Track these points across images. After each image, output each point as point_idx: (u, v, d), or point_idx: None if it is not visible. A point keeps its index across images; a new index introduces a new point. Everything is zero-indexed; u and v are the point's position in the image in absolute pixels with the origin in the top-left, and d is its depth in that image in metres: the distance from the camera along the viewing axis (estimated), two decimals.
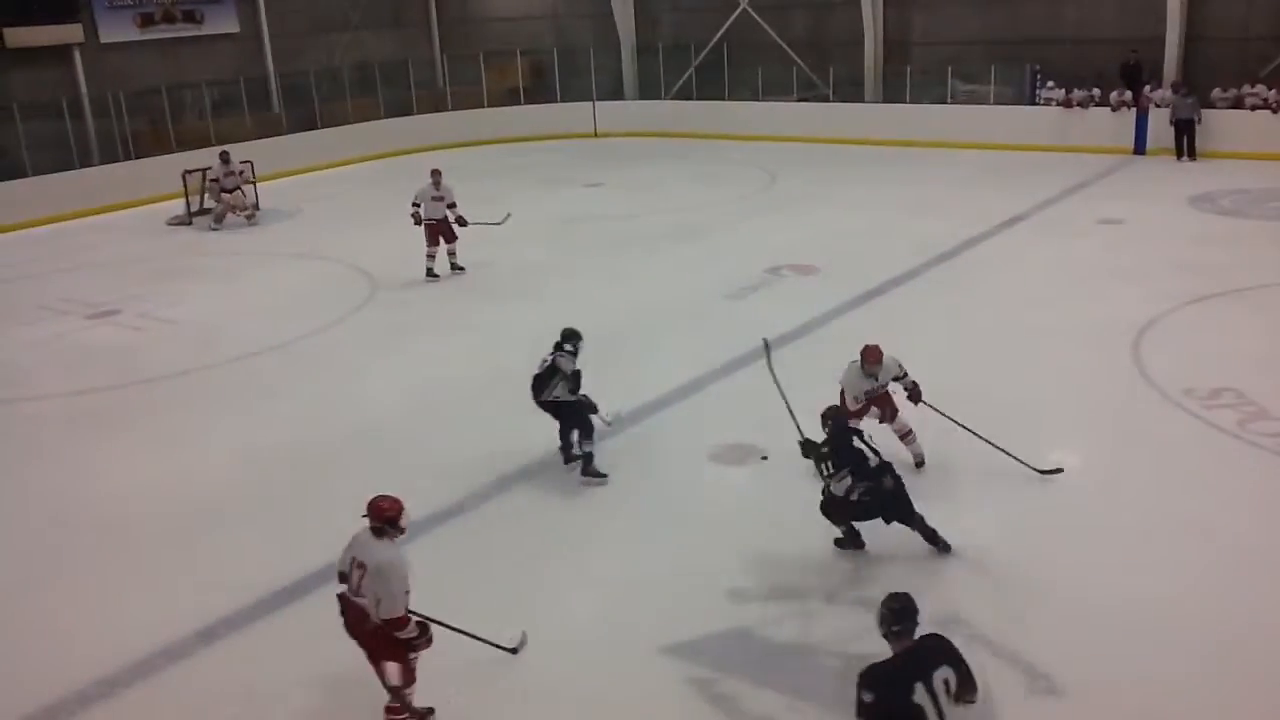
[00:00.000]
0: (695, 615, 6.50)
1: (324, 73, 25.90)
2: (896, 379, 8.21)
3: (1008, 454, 8.08)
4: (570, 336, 8.51)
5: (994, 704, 5.55)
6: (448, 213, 14.25)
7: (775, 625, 6.40)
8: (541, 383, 8.38)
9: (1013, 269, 13.76)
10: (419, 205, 14.22)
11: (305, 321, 13.03)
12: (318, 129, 24.93)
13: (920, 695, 4.19)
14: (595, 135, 27.21)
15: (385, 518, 5.39)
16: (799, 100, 25.77)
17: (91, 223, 20.10)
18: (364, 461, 9.00)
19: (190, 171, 19.64)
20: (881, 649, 4.51)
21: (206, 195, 19.44)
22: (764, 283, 13.53)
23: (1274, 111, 19.65)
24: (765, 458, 8.57)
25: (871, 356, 7.98)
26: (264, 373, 11.49)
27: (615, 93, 28.22)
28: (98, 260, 17.12)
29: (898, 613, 4.46)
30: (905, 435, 8.42)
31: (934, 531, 7.04)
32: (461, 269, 14.60)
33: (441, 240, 14.39)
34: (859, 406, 8.12)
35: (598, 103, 27.56)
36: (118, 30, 23.65)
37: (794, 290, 13.32)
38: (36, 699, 6.07)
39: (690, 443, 8.96)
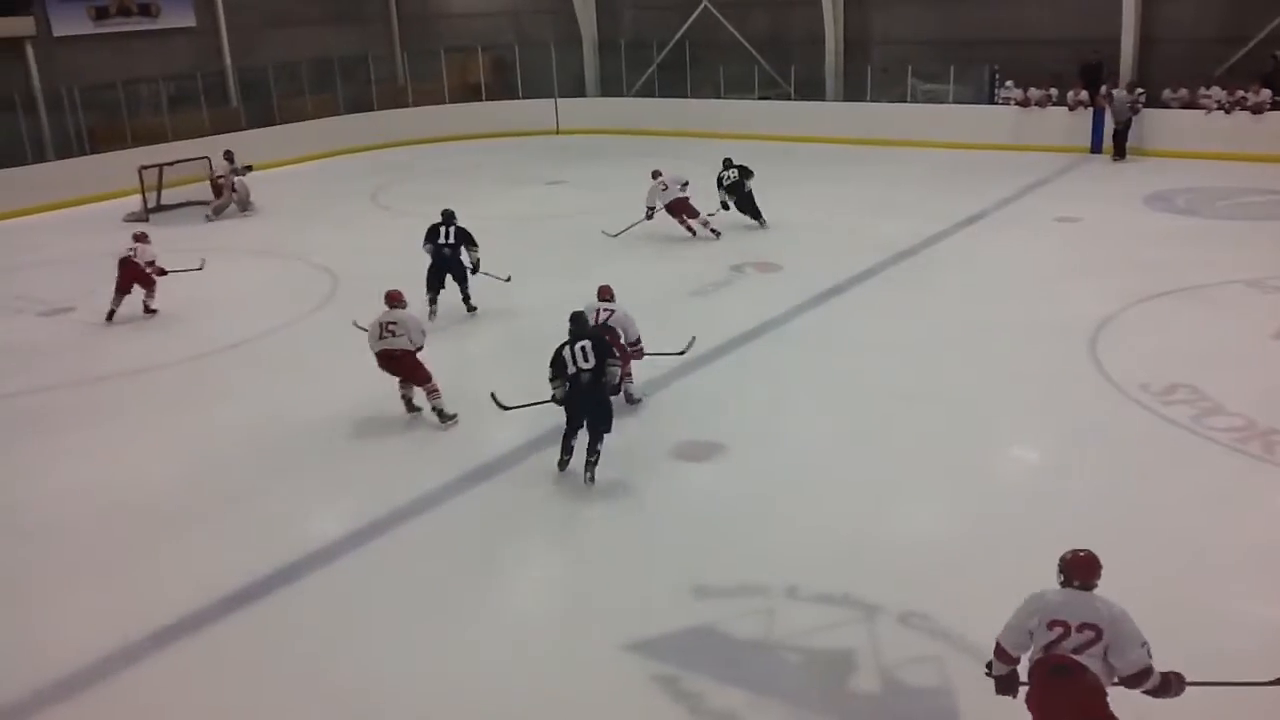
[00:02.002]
0: (657, 613, 6.50)
1: (282, 68, 25.64)
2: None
3: (665, 353, 9.86)
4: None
5: (956, 697, 5.61)
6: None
7: (737, 621, 6.40)
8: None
9: (972, 267, 13.89)
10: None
11: (263, 319, 12.90)
12: (276, 124, 24.66)
13: None
14: (557, 132, 27.15)
15: (397, 298, 9.42)
16: (761, 98, 25.84)
17: (46, 219, 19.78)
18: (318, 461, 8.94)
19: (146, 167, 19.41)
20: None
21: (223, 192, 19.26)
22: (728, 280, 13.56)
23: (1227, 112, 19.95)
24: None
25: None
26: (219, 372, 11.35)
27: (577, 89, 28.17)
28: (53, 257, 16.83)
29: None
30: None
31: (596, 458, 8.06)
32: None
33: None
34: None
35: (560, 99, 27.50)
36: (71, 23, 23.27)
37: (757, 288, 13.37)
38: None
39: (653, 440, 8.96)
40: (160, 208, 19.49)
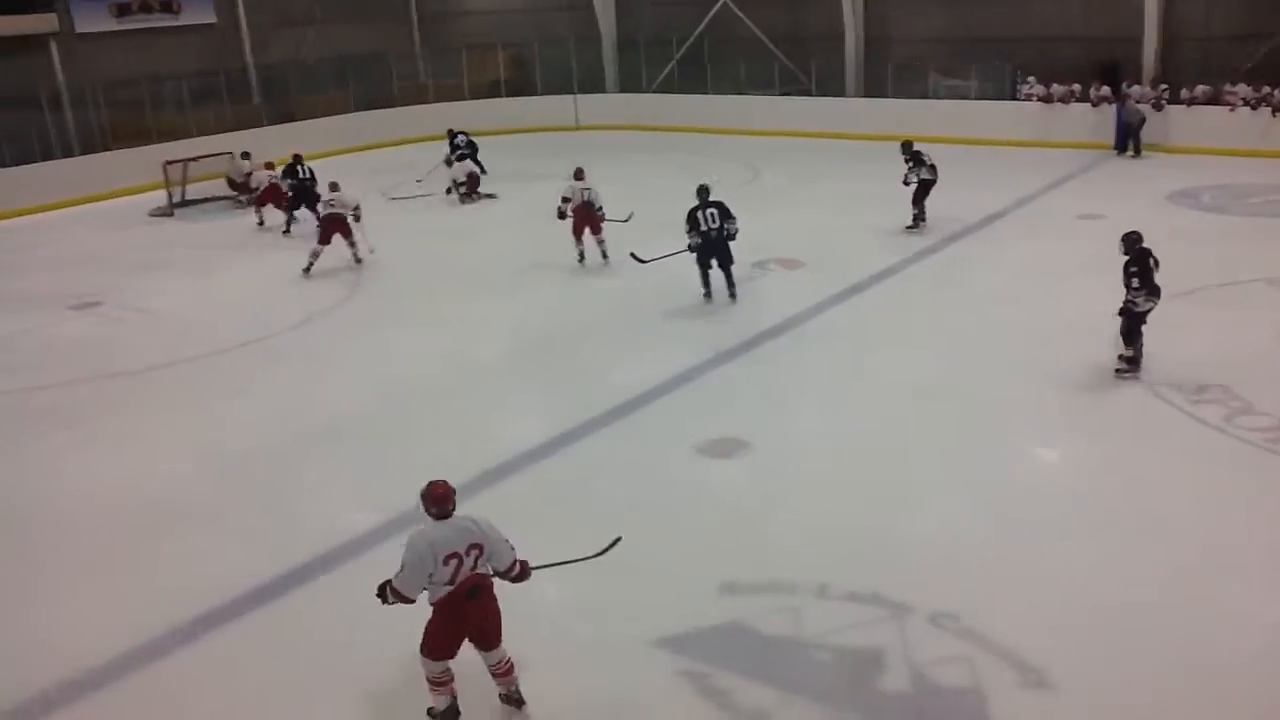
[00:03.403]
0: (686, 609, 6.49)
1: (303, 65, 25.73)
2: None
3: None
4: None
5: (984, 698, 5.58)
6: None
7: (766, 619, 6.38)
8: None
9: (995, 264, 13.81)
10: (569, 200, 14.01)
11: (282, 316, 12.94)
12: (296, 121, 24.73)
13: None
14: (576, 128, 27.15)
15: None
16: (781, 94, 25.79)
17: (72, 214, 19.92)
18: (331, 460, 8.96)
19: (172, 162, 19.51)
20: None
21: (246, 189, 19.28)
22: (750, 277, 13.51)
23: (1253, 109, 19.79)
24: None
25: None
26: (237, 368, 11.40)
27: (596, 86, 28.16)
28: (79, 252, 16.95)
29: None
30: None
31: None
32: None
33: (588, 230, 14.22)
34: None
35: (579, 95, 27.50)
36: (93, 20, 23.46)
37: (781, 284, 13.33)
38: None
39: (678, 434, 8.94)
40: (185, 203, 19.60)
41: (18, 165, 20.40)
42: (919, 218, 15.53)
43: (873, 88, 24.71)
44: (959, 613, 6.24)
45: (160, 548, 7.62)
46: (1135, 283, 9.33)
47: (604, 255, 14.25)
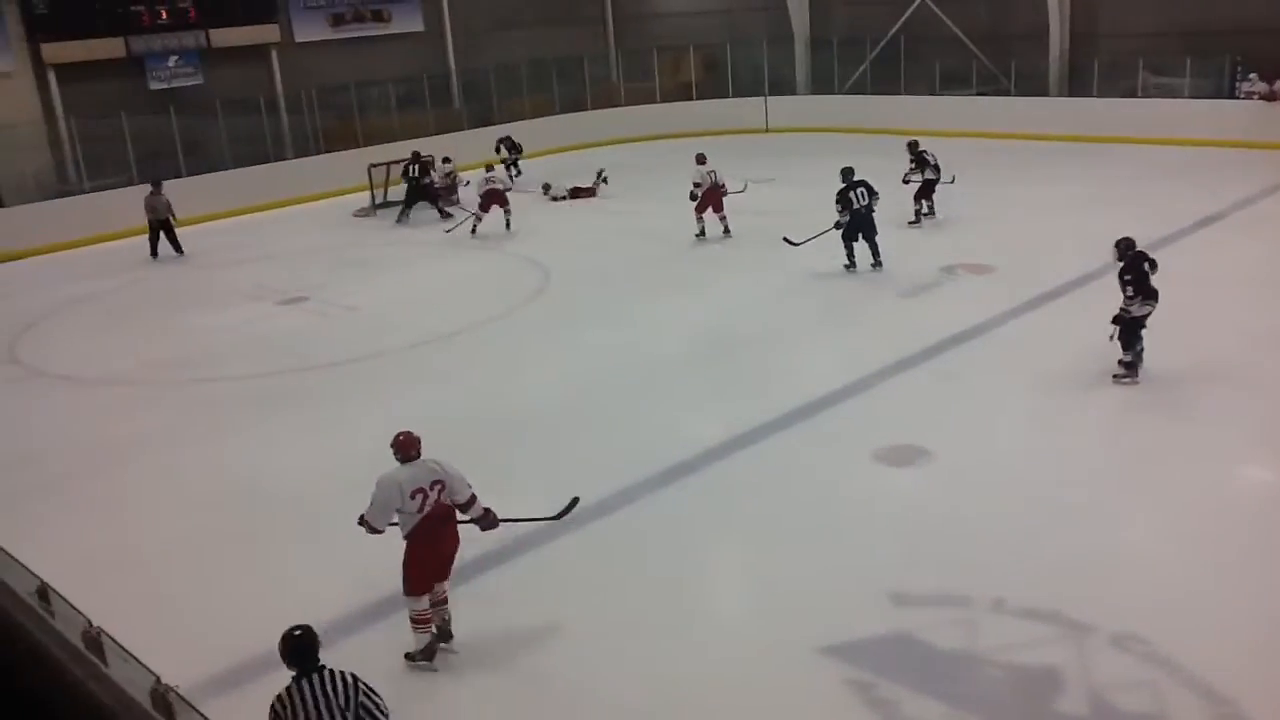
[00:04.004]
0: (855, 617, 6.42)
1: (502, 69, 26.59)
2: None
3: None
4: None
5: None
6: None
7: (938, 631, 6.25)
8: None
9: (1206, 271, 13.00)
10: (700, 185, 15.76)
11: (477, 311, 13.42)
12: (495, 124, 25.55)
13: None
14: (766, 130, 27.05)
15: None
16: (978, 94, 25.03)
17: (284, 214, 21.18)
18: (523, 451, 9.25)
19: (376, 165, 20.48)
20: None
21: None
22: (937, 282, 13.21)
23: None
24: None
25: None
26: (434, 360, 11.88)
27: (788, 87, 28.00)
28: (288, 249, 18.02)
29: None
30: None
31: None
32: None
33: (711, 209, 15.98)
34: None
35: (770, 98, 27.41)
36: (311, 30, 24.85)
37: (967, 290, 12.96)
38: (214, 665, 6.39)
39: (856, 442, 8.83)
40: (387, 204, 20.53)
41: (238, 168, 21.80)
42: (921, 213, 16.21)
43: (1077, 87, 23.69)
44: (1145, 635, 5.96)
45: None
46: (1129, 290, 9.40)
47: (726, 230, 16.03)
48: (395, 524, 6.18)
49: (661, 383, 10.67)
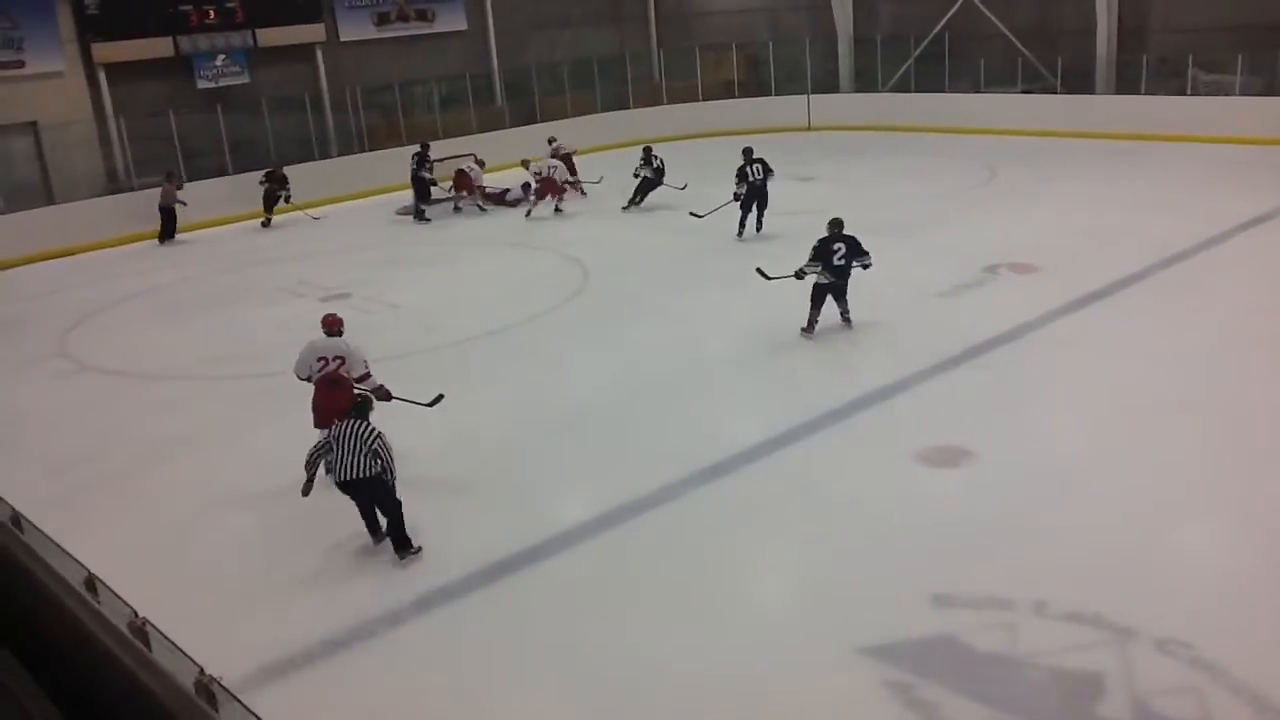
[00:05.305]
0: (896, 618, 6.37)
1: (545, 68, 26.68)
2: None
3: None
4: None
5: None
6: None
7: (979, 633, 6.19)
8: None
9: (1256, 272, 12.82)
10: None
11: (519, 309, 13.49)
12: (538, 122, 25.64)
13: None
14: (809, 129, 26.96)
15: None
16: (1023, 92, 24.79)
17: (328, 211, 21.37)
18: (570, 446, 9.30)
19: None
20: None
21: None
22: (979, 281, 13.09)
23: None
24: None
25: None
26: (478, 357, 11.95)
27: (830, 85, 27.88)
28: (332, 247, 18.20)
29: None
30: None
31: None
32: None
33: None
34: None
35: (812, 96, 27.30)
36: (356, 29, 25.07)
37: (1011, 290, 12.83)
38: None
39: (897, 442, 8.78)
40: (430, 201, 20.66)
41: (283, 166, 21.99)
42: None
43: (1125, 84, 23.38)
44: (1191, 640, 5.88)
45: (420, 514, 8.04)
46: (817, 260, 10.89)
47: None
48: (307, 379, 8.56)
49: (701, 381, 10.66)
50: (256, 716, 3.33)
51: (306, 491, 7.63)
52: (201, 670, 3.75)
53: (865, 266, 11.25)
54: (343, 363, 8.50)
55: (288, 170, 20.80)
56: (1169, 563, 6.82)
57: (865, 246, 11.24)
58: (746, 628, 6.46)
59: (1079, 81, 23.99)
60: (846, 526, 7.62)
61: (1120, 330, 11.20)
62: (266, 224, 20.56)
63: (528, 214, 19.17)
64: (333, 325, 8.78)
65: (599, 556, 7.47)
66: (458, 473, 8.96)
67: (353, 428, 7.30)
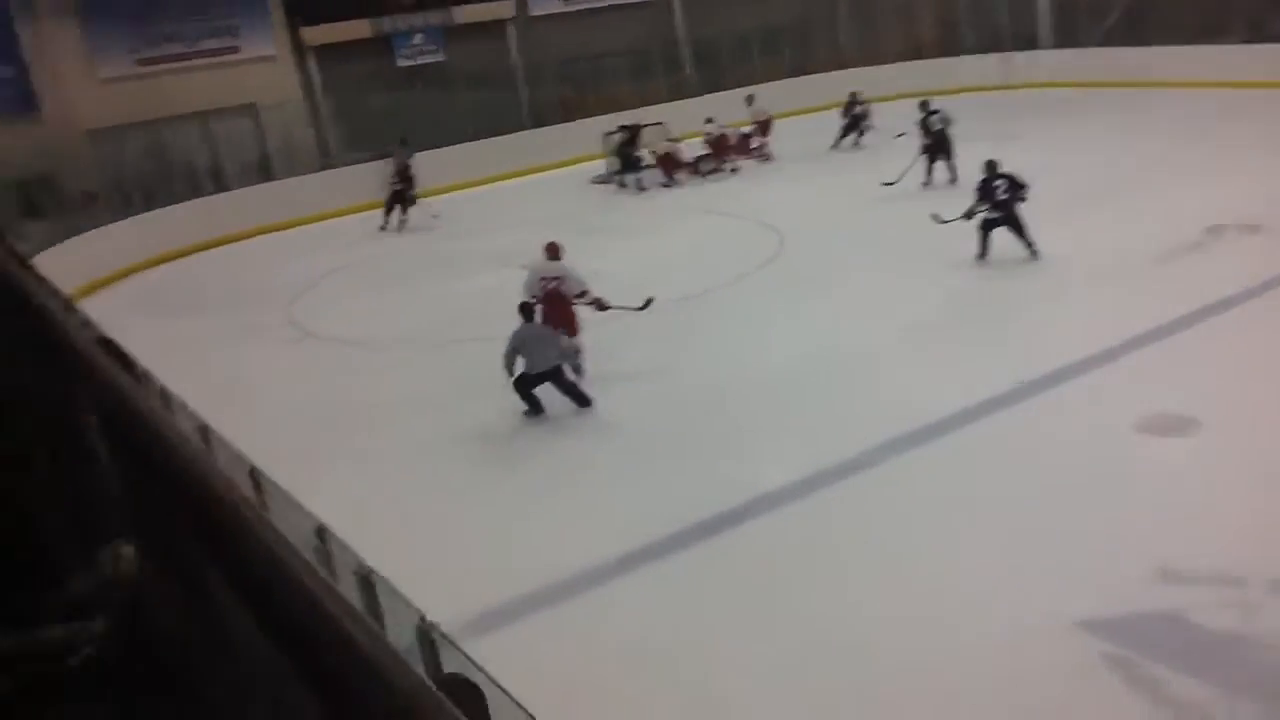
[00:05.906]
0: (1118, 592, 6.14)
1: (731, 35, 26.57)
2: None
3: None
4: None
5: None
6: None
7: (1209, 611, 5.91)
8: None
9: None
10: None
11: (715, 275, 13.59)
12: (726, 89, 25.54)
13: None
14: (1005, 87, 25.92)
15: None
16: (1244, 43, 23.15)
17: (524, 182, 21.95)
18: (760, 411, 9.40)
19: (610, 133, 20.92)
20: None
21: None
22: (1200, 243, 12.37)
23: None
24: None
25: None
26: (673, 324, 12.03)
27: (1029, 41, 26.72)
28: (530, 217, 18.65)
29: None
30: None
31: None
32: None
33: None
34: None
35: (1011, 53, 26.24)
36: (545, 3, 25.53)
37: (1235, 251, 12.07)
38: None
39: (1116, 410, 8.41)
40: (623, 170, 20.96)
41: (478, 139, 22.73)
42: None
43: None
44: None
45: (618, 480, 8.33)
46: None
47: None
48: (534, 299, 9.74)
49: (902, 347, 10.47)
50: (473, 662, 3.53)
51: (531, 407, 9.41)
52: (423, 617, 3.99)
53: (1023, 200, 12.18)
54: (561, 281, 9.96)
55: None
56: None
57: (1022, 180, 12.19)
58: (962, 595, 6.35)
59: None
60: (1064, 496, 7.36)
61: None
62: (387, 225, 19.34)
63: (704, 175, 19.65)
64: (553, 251, 10.35)
65: (803, 521, 7.48)
66: (670, 431, 9.19)
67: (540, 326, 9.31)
